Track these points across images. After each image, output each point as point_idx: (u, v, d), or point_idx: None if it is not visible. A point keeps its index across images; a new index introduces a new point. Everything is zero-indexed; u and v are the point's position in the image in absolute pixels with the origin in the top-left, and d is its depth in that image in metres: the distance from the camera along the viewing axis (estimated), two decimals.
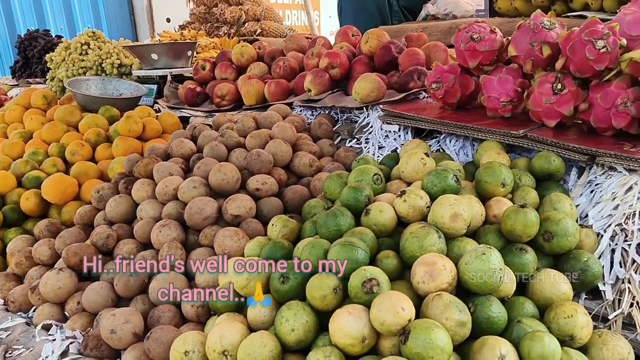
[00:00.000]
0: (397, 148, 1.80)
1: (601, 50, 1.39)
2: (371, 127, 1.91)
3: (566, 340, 1.04)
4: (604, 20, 1.51)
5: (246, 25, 5.11)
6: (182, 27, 5.36)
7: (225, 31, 5.26)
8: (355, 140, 1.95)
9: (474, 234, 1.27)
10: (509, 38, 1.62)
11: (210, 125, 2.12)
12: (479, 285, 1.05)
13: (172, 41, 4.09)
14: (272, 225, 1.43)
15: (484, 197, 1.35)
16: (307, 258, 1.18)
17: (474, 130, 1.60)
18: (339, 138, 2.01)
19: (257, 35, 4.98)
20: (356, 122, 2.03)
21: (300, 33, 5.51)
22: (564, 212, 1.26)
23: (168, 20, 7.99)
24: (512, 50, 1.58)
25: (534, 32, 1.53)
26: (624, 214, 1.28)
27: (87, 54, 3.48)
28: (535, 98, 1.52)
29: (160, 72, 3.02)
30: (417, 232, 1.15)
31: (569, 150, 1.42)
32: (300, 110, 2.25)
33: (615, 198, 1.32)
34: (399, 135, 1.83)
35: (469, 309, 1.04)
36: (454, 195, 1.23)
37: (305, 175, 1.78)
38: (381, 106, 1.86)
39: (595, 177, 1.40)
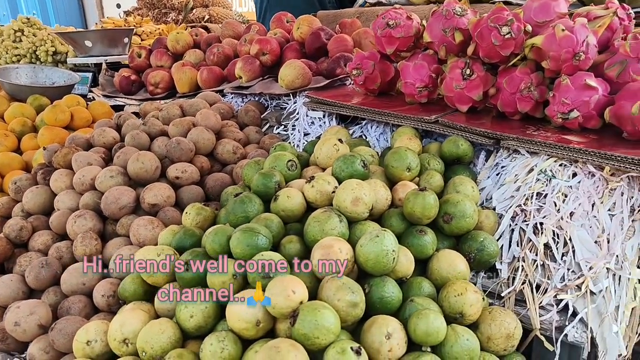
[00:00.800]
0: (322, 134, 1.81)
1: (506, 37, 1.42)
2: (298, 113, 1.92)
3: (457, 318, 1.08)
4: (520, 6, 1.55)
5: (194, 11, 5.03)
6: (126, 13, 5.24)
7: (174, 17, 5.16)
8: (283, 127, 1.96)
9: (380, 217, 1.30)
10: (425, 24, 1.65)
11: (138, 114, 2.09)
12: (372, 267, 1.08)
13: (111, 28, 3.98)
14: (186, 213, 1.42)
15: (392, 181, 1.38)
16: (210, 245, 1.18)
17: (390, 116, 1.63)
18: (267, 125, 2.01)
19: (205, 22, 4.92)
20: (285, 108, 2.03)
21: (252, 20, 5.46)
22: (465, 195, 1.30)
23: (118, 5, 7.78)
24: (427, 37, 1.61)
25: (446, 18, 1.56)
26: (524, 195, 1.33)
27: (21, 41, 3.37)
28: (447, 83, 1.55)
29: (95, 60, 2.95)
30: (319, 217, 1.17)
31: (476, 134, 1.46)
32: (232, 98, 2.24)
33: (517, 180, 1.37)
34: (324, 122, 1.84)
35: (364, 290, 1.07)
36: (357, 180, 1.25)
37: (229, 162, 1.78)
38: (306, 93, 1.87)
39: (502, 160, 1.45)
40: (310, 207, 1.31)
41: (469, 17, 1.56)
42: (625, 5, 1.49)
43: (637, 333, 1.28)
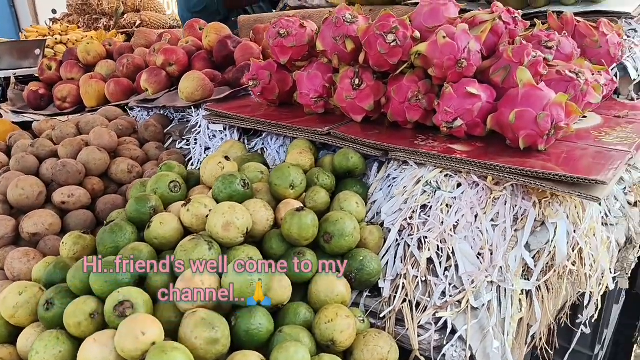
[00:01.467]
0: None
1: (392, 44, 1.39)
2: (200, 127, 1.84)
3: (329, 346, 1.03)
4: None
5: (125, 16, 4.88)
6: (53, 21, 5.04)
7: (105, 23, 5.00)
8: (185, 141, 1.89)
9: (262, 239, 1.25)
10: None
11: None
12: (237, 297, 1.02)
13: (19, 40, 3.82)
14: (63, 243, 1.33)
15: (278, 200, 1.33)
16: (70, 281, 1.10)
17: (285, 128, 1.57)
18: (171, 140, 1.93)
19: (136, 27, 4.77)
20: (189, 121, 1.96)
21: None
22: (348, 211, 1.26)
23: (54, 11, 7.50)
24: (320, 45, 1.56)
25: (336, 26, 1.51)
26: (411, 208, 1.29)
27: None
28: (338, 94, 1.51)
29: (3, 74, 2.80)
30: (186, 245, 1.10)
31: (366, 146, 1.42)
32: (139, 111, 2.15)
33: (405, 192, 1.34)
34: (226, 135, 1.77)
35: (231, 322, 1.02)
36: (230, 203, 1.19)
37: (125, 182, 1.70)
38: (205, 105, 1.80)
39: (393, 172, 1.41)
40: (189, 232, 1.25)
41: (360, 24, 1.52)
42: (510, 9, 1.47)
43: (526, 344, 1.27)
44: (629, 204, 1.54)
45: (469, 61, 1.32)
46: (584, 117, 1.58)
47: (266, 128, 1.62)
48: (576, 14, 1.83)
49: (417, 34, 1.43)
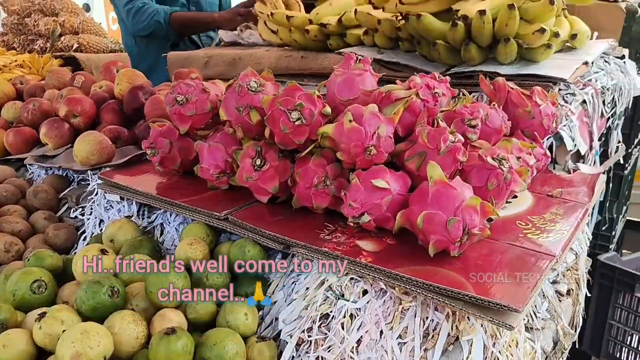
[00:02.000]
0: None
1: (296, 123, 1.23)
2: (96, 194, 1.64)
3: None
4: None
5: (62, 39, 4.60)
6: None
7: (41, 45, 4.71)
8: (81, 209, 1.68)
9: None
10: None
11: None
12: None
13: None
14: None
15: (156, 308, 1.14)
16: None
17: (182, 208, 1.39)
18: (66, 206, 1.72)
19: (74, 51, 4.51)
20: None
21: None
22: (235, 325, 1.08)
23: (3, 25, 7.13)
24: (223, 114, 1.38)
25: (239, 95, 1.34)
26: (311, 317, 1.13)
27: None
28: (239, 173, 1.33)
29: None
30: None
31: (266, 237, 1.25)
32: (38, 168, 1.92)
33: (307, 296, 1.17)
34: (124, 206, 1.58)
35: None
36: (85, 325, 0.99)
37: (4, 263, 1.48)
38: (99, 173, 1.59)
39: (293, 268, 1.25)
40: (44, 353, 1.05)
41: (267, 94, 1.35)
42: (430, 83, 1.32)
43: None
44: (559, 294, 1.42)
45: (379, 148, 1.17)
46: (514, 196, 1.45)
47: (162, 205, 1.44)
48: (511, 77, 1.71)
49: (328, 110, 1.27)
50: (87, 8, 7.87)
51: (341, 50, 2.15)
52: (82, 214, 1.66)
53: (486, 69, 1.79)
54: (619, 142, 2.26)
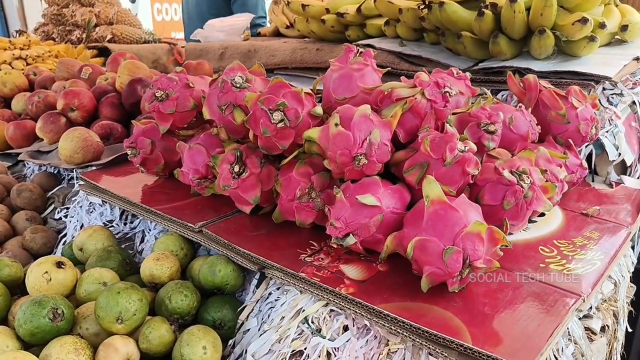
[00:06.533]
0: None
1: (279, 125, 1.06)
2: (80, 195, 1.53)
3: None
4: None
5: (97, 29, 4.59)
6: (19, 32, 4.77)
7: (78, 36, 4.72)
8: (66, 210, 1.57)
9: None
10: None
11: None
12: None
13: None
14: None
15: (109, 334, 1.00)
16: None
17: (158, 216, 1.25)
18: (52, 206, 1.62)
19: (107, 42, 4.49)
20: None
21: (167, 38, 5.03)
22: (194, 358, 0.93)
23: (44, 16, 7.28)
24: (207, 113, 1.23)
25: (222, 92, 1.19)
26: (282, 354, 0.96)
27: None
28: (218, 180, 1.18)
29: None
30: None
31: (240, 255, 1.09)
32: (34, 164, 1.83)
33: (280, 327, 1.00)
34: (106, 209, 1.46)
35: None
36: (14, 355, 0.86)
37: None
38: (80, 173, 1.48)
39: (275, 291, 1.08)
40: None
41: (254, 91, 1.19)
42: (441, 80, 1.12)
43: None
44: (592, 333, 1.19)
45: (370, 157, 0.98)
46: (541, 214, 1.23)
47: (137, 212, 1.30)
48: (546, 74, 1.48)
49: (318, 110, 1.09)
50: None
51: (360, 42, 1.96)
52: (66, 216, 1.55)
53: (518, 64, 1.56)
54: None
